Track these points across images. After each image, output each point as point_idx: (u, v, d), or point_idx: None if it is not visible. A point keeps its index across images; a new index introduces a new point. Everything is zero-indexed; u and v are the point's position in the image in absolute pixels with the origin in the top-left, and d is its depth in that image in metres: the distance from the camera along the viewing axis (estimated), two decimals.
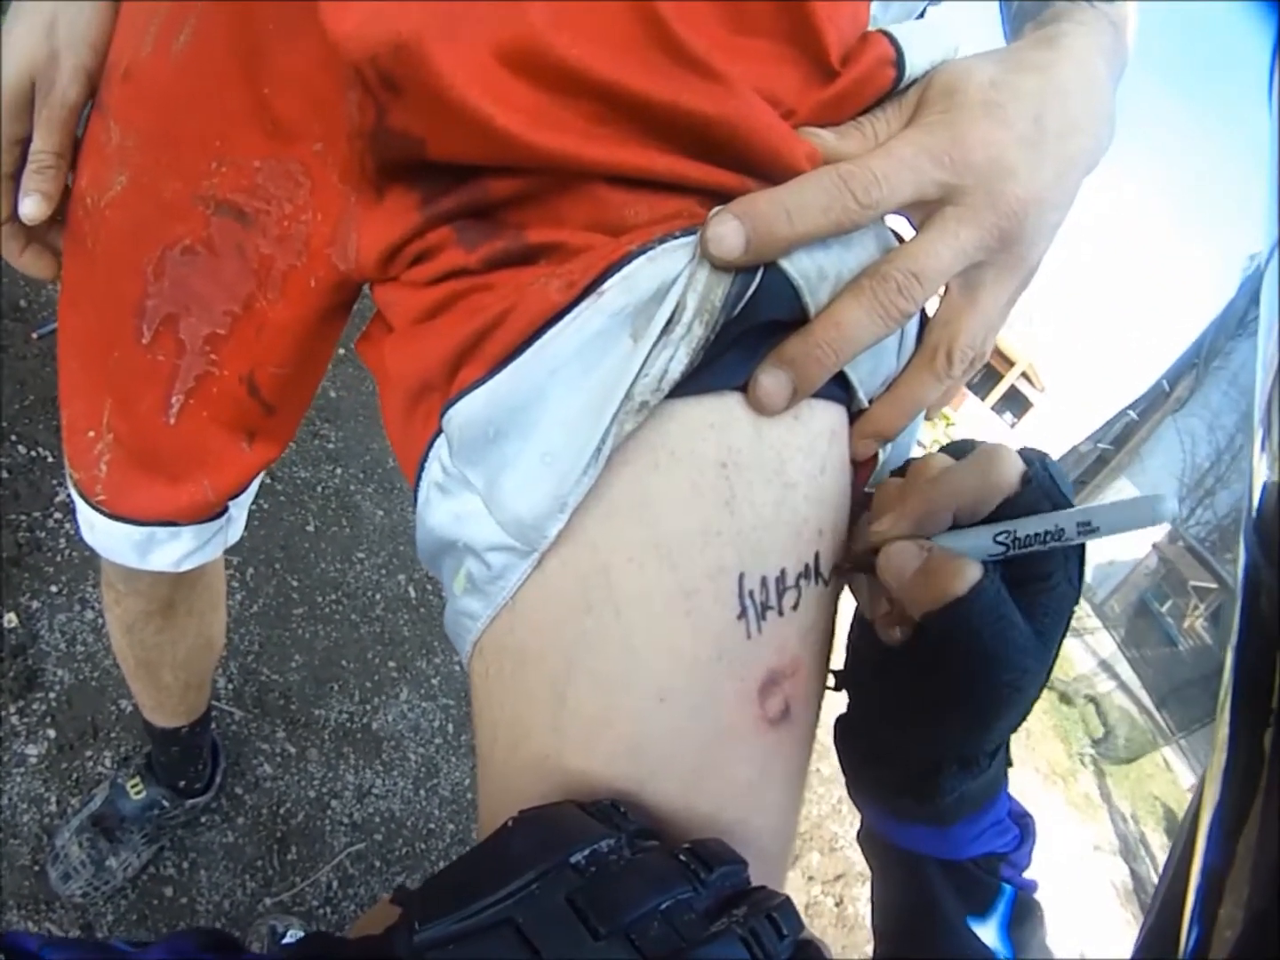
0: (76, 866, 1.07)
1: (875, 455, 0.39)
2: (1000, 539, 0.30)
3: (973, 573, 0.29)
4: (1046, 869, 3.30)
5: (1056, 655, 0.32)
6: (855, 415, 0.38)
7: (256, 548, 1.58)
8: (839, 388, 0.36)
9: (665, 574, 0.32)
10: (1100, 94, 0.38)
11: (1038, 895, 0.43)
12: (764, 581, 0.33)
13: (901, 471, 0.36)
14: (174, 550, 0.59)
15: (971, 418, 17.48)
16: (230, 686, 1.39)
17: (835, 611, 0.38)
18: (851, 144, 0.35)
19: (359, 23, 0.32)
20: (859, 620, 0.38)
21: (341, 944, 0.31)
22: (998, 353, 19.46)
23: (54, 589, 1.32)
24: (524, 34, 0.32)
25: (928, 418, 0.43)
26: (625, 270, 0.31)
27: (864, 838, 0.44)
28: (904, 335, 0.37)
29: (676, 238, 0.32)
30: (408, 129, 0.34)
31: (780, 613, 0.33)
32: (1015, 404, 19.36)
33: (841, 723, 0.40)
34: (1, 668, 1.20)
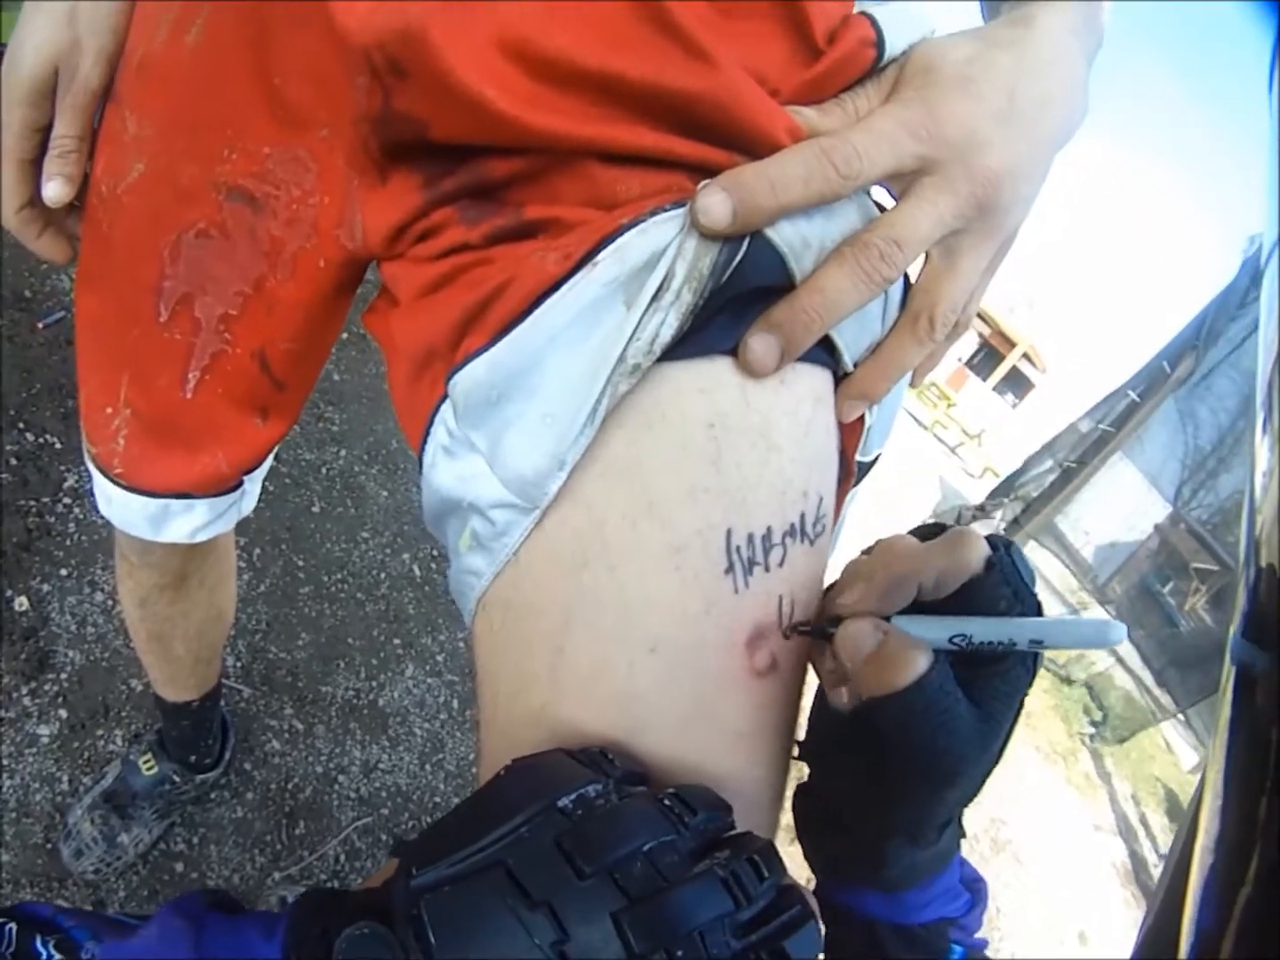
0: (89, 843, 1.09)
1: (861, 419, 0.40)
2: (955, 640, 0.31)
3: (919, 665, 0.30)
4: (1047, 849, 3.32)
5: (1009, 737, 0.33)
6: (841, 379, 0.40)
7: (263, 529, 1.59)
8: (824, 352, 0.37)
9: (656, 530, 0.34)
10: (1072, 70, 0.39)
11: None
12: (750, 538, 0.34)
13: (870, 550, 0.36)
14: (188, 522, 0.60)
15: (973, 397, 17.49)
16: (238, 664, 1.40)
17: (822, 571, 0.39)
18: (833, 120, 0.37)
19: (368, 11, 0.34)
20: (820, 690, 0.39)
21: (342, 896, 0.32)
22: (999, 334, 19.42)
23: (64, 572, 1.33)
24: (520, 26, 0.34)
25: (912, 384, 0.45)
26: (618, 242, 0.33)
27: (818, 897, 0.45)
28: (888, 301, 0.39)
29: (666, 210, 0.34)
30: (411, 111, 0.36)
31: (766, 569, 0.35)
32: (1017, 385, 19.34)
33: (800, 787, 0.41)
34: (13, 650, 1.21)
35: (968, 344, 20.81)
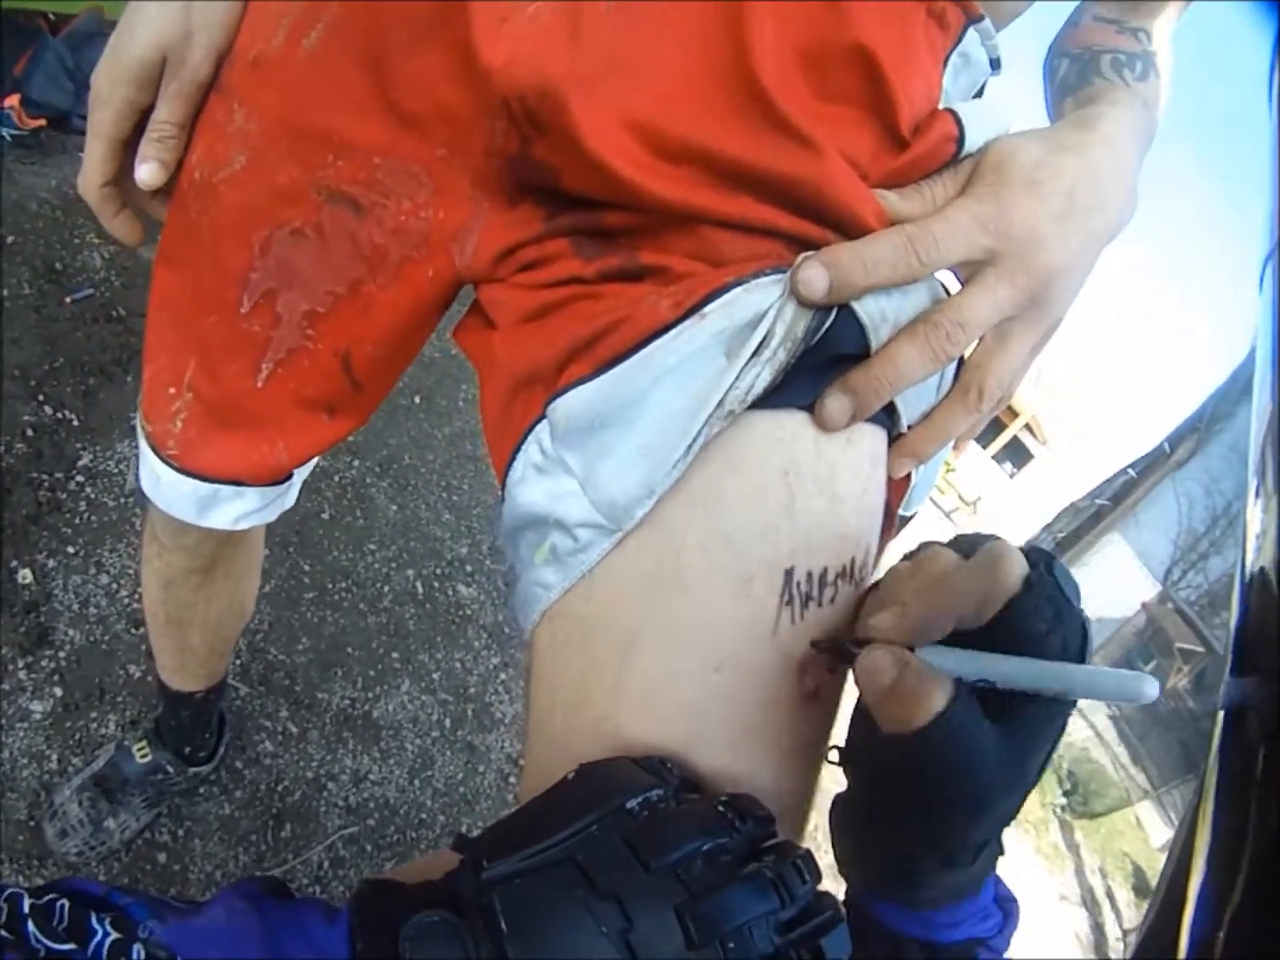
0: (74, 824, 1.09)
1: (908, 476, 0.44)
2: (979, 684, 0.30)
3: (937, 704, 0.29)
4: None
5: (1048, 759, 0.32)
6: (895, 439, 0.43)
7: (272, 530, 1.57)
8: (885, 415, 0.41)
9: (729, 560, 0.37)
10: (1126, 172, 0.44)
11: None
12: (809, 576, 0.37)
13: (911, 555, 0.36)
14: (234, 510, 0.60)
15: (972, 465, 17.56)
16: (238, 662, 1.41)
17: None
18: (913, 205, 0.41)
19: (509, 59, 0.39)
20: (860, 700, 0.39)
21: (401, 887, 0.32)
22: None
23: (70, 550, 1.34)
24: (646, 108, 0.39)
25: (955, 449, 0.49)
26: (726, 297, 0.37)
27: (848, 907, 0.44)
28: (943, 374, 0.43)
29: (768, 274, 0.38)
30: (548, 161, 0.40)
31: (820, 604, 0.38)
32: (1016, 454, 19.41)
33: (839, 798, 0.40)
34: (13, 622, 1.22)
35: None
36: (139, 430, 0.60)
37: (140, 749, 1.14)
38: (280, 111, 0.46)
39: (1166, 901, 0.38)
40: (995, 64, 0.48)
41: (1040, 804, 4.84)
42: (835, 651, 0.36)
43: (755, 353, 0.36)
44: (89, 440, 1.44)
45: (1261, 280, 0.46)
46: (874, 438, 0.41)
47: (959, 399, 0.43)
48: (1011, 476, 19.32)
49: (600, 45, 0.39)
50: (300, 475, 0.65)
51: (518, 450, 0.42)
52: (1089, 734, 6.24)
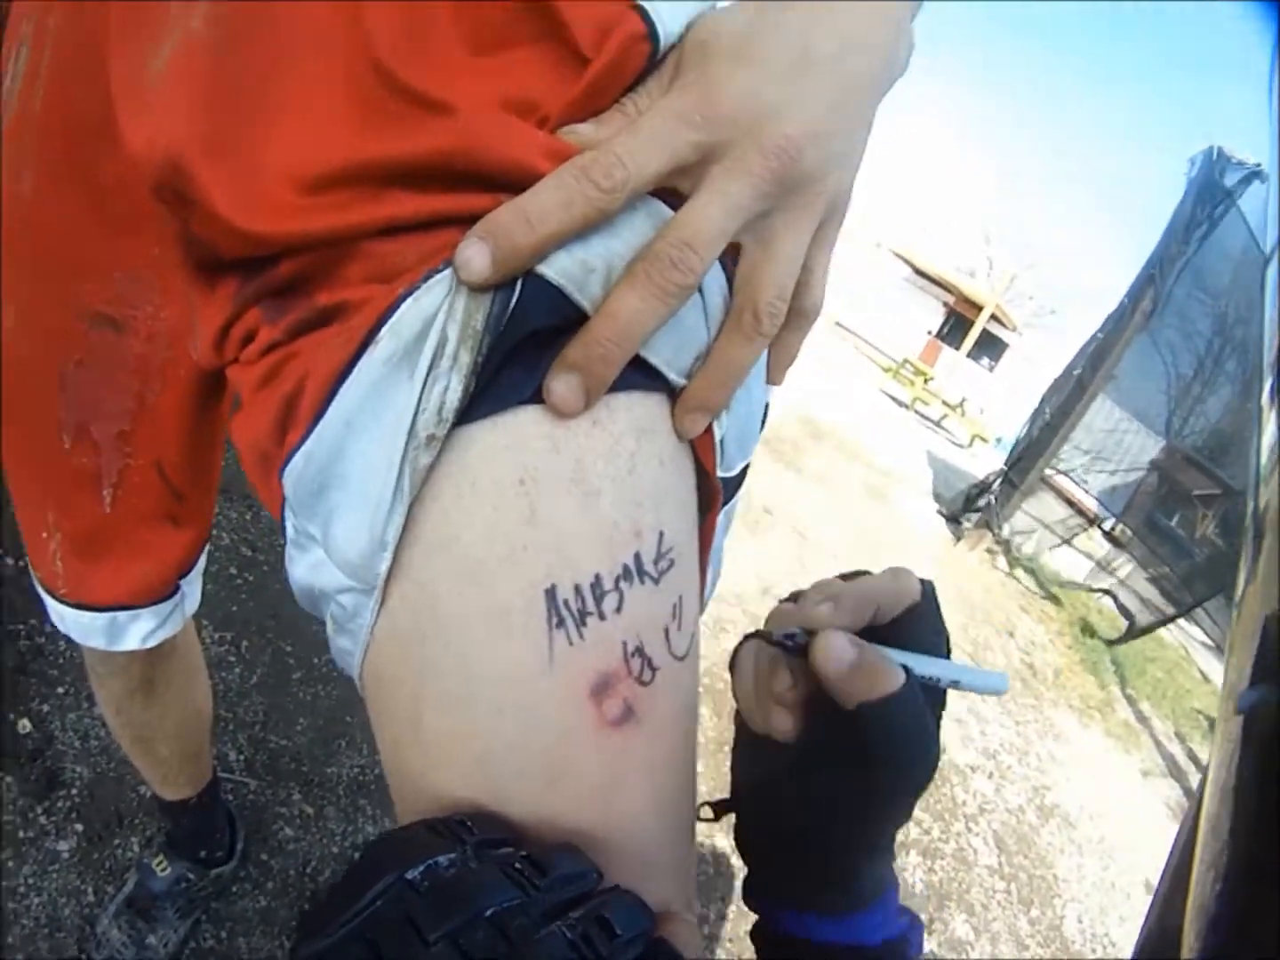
0: (119, 949, 1.13)
1: (711, 429, 0.38)
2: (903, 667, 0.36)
3: (901, 673, 0.34)
4: (1096, 805, 3.27)
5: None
6: (677, 394, 0.37)
7: (248, 620, 1.64)
8: (643, 375, 0.35)
9: (482, 597, 0.33)
10: (886, 8, 0.36)
11: None
12: (578, 589, 0.33)
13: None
14: (138, 630, 0.64)
15: (949, 368, 17.47)
16: (241, 758, 1.44)
17: (686, 601, 0.38)
18: (613, 129, 0.34)
19: (147, 138, 0.35)
20: (744, 739, 0.41)
21: None
22: (964, 300, 19.38)
23: (61, 690, 1.37)
24: (291, 151, 0.34)
25: (772, 380, 0.43)
26: (394, 317, 0.33)
27: (764, 934, 0.44)
28: (706, 304, 0.36)
29: (440, 271, 0.33)
30: (203, 235, 0.36)
31: (602, 617, 0.33)
32: (991, 348, 19.29)
33: (740, 830, 0.42)
34: (23, 773, 1.26)
35: (934, 315, 20.80)
36: (33, 577, 0.63)
37: (159, 864, 1.17)
38: (26, 256, 0.48)
39: (1167, 900, 0.37)
40: None
41: (1100, 686, 4.84)
42: (783, 644, 0.37)
43: (432, 365, 0.32)
44: None
45: (1262, 280, 0.45)
46: (634, 407, 0.35)
47: (734, 328, 0.36)
48: (991, 370, 19.21)
49: (230, 95, 0.34)
50: (192, 581, 0.68)
51: (282, 531, 0.40)
52: (1136, 604, 6.21)
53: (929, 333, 20.57)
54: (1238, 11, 0.53)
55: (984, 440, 11.68)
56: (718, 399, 0.37)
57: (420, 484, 0.33)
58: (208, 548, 0.68)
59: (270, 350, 0.37)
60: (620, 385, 0.34)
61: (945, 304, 20.60)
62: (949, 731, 3.04)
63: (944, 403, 12.34)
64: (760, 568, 3.22)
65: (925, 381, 12.49)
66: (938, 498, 6.72)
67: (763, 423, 0.46)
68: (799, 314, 0.40)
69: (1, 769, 1.25)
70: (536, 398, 0.33)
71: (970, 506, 5.88)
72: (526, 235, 0.31)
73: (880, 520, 5.12)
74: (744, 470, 0.44)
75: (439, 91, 0.33)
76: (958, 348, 18.14)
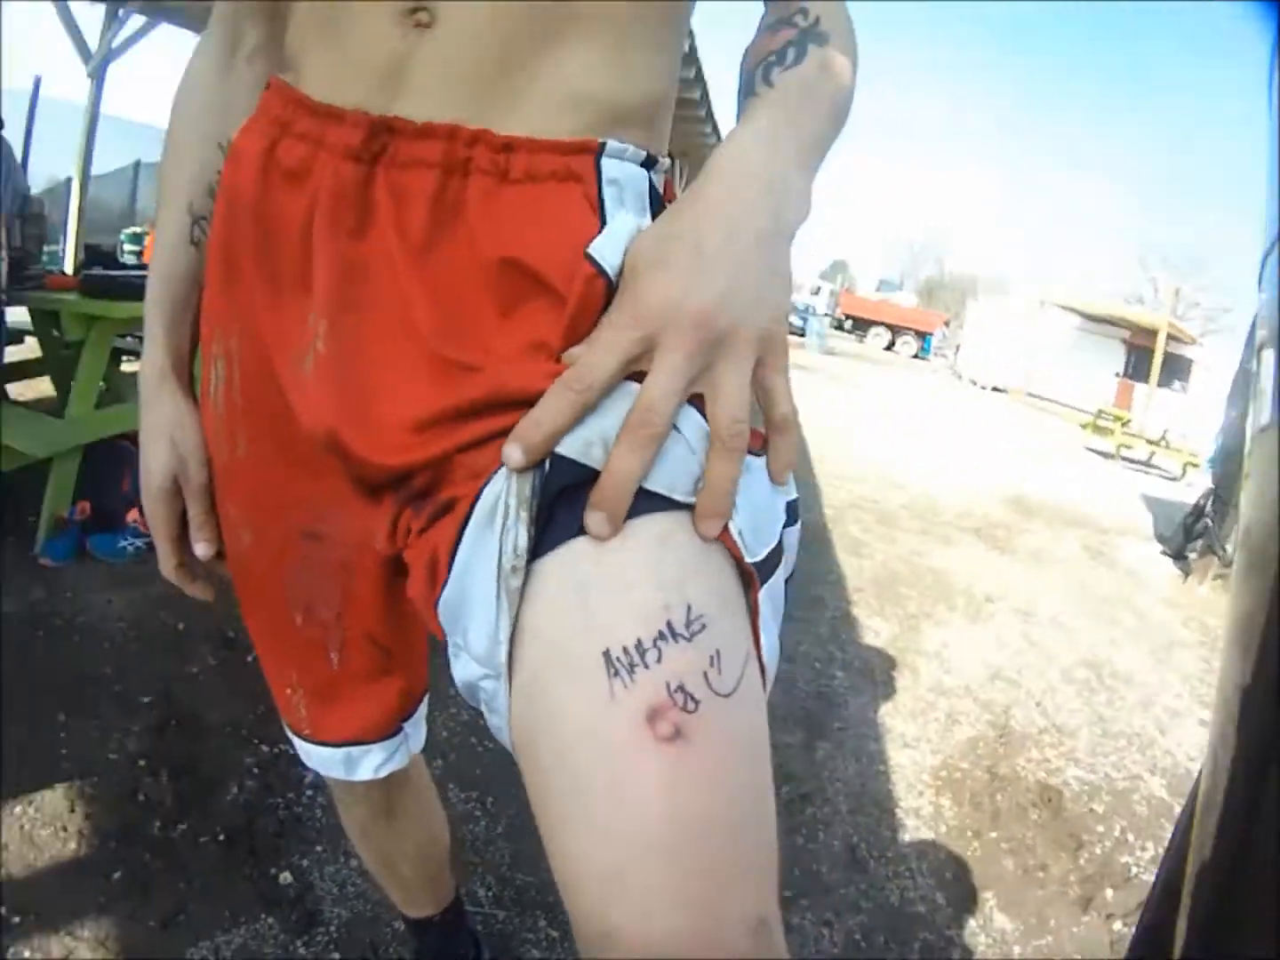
0: None
1: (727, 528, 0.47)
2: None
3: None
4: None
5: None
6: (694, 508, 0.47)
7: (493, 779, 1.77)
8: (653, 501, 0.45)
9: (563, 663, 0.44)
10: (761, 171, 0.48)
11: None
12: (625, 649, 0.42)
13: None
14: (371, 761, 0.76)
15: (1144, 403, 16.18)
16: (489, 894, 1.49)
17: (727, 651, 0.44)
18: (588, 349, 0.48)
19: (311, 419, 0.55)
20: None
21: None
22: (1139, 329, 18.04)
23: (319, 849, 1.50)
24: (393, 412, 0.53)
25: (776, 480, 0.51)
26: (479, 501, 0.48)
27: None
28: (689, 440, 0.46)
29: (501, 468, 0.48)
30: (360, 471, 0.56)
31: (646, 667, 0.42)
32: (1179, 369, 17.67)
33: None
34: (284, 914, 1.37)
35: (1116, 355, 19.58)
36: (284, 725, 0.78)
37: None
38: (251, 499, 0.65)
39: (1166, 899, 0.37)
40: (647, 162, 0.56)
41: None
42: None
43: (504, 524, 0.46)
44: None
45: (1261, 278, 0.47)
46: (653, 523, 0.45)
47: (715, 452, 0.46)
48: (1184, 391, 17.55)
49: (352, 383, 0.53)
50: (415, 724, 0.80)
51: (446, 646, 0.54)
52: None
53: (1116, 375, 19.58)
54: (1238, 11, 0.54)
55: (1195, 466, 10.55)
56: (721, 506, 0.46)
57: (517, 600, 0.45)
58: (451, 725, 0.81)
59: (422, 532, 0.54)
60: (638, 511, 0.45)
61: (1123, 340, 19.65)
62: None
63: (1147, 441, 11.41)
64: (986, 655, 3.13)
65: (1123, 425, 11.66)
66: (1160, 539, 6.12)
67: (794, 518, 0.55)
68: (775, 425, 0.49)
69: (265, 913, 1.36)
70: (581, 531, 0.45)
71: (1191, 537, 5.28)
72: (537, 433, 0.45)
73: (1104, 579, 4.77)
74: (772, 551, 0.51)
75: (469, 358, 0.51)
76: (1146, 380, 16.78)
